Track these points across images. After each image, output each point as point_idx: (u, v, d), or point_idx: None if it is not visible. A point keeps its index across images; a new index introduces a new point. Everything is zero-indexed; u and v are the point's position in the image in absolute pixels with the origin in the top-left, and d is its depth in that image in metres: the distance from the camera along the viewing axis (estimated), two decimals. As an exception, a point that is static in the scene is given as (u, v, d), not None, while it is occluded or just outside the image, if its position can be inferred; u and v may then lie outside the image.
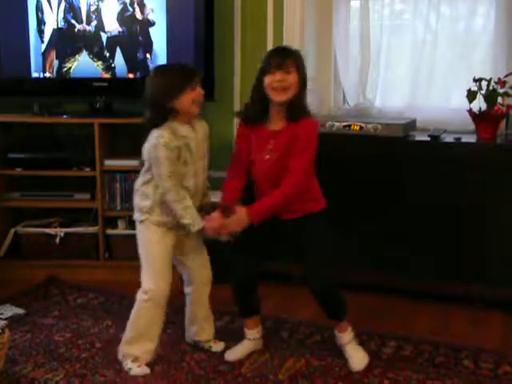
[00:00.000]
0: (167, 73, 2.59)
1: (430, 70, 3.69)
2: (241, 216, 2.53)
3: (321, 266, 2.64)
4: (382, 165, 3.35)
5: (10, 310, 3.22)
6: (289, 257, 2.88)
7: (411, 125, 3.49)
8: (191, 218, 2.59)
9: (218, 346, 2.86)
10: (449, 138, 3.31)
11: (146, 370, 2.64)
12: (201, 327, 2.87)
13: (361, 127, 3.36)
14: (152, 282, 2.61)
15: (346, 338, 2.76)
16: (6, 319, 2.94)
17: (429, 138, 3.32)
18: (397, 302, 3.37)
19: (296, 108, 2.55)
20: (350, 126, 3.37)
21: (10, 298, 3.38)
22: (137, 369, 2.64)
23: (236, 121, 3.98)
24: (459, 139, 3.27)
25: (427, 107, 3.68)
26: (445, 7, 3.65)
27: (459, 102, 3.51)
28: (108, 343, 2.89)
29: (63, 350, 2.83)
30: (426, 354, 2.80)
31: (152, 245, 2.65)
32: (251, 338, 2.84)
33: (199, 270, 2.85)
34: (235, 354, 2.81)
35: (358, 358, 2.73)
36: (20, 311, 3.24)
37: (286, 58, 2.52)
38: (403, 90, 3.78)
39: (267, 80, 2.52)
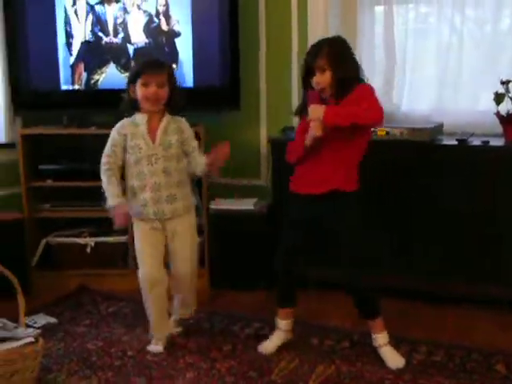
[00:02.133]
0: (136, 63, 2.94)
1: (456, 73, 3.67)
2: (320, 106, 2.60)
3: (355, 260, 2.75)
4: (409, 170, 3.34)
5: (43, 319, 3.27)
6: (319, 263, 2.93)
7: (438, 129, 3.47)
8: (109, 198, 2.82)
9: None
10: (476, 142, 3.29)
11: (159, 349, 2.91)
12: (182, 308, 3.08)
13: (387, 132, 3.35)
14: (139, 270, 2.89)
15: (382, 338, 2.79)
16: (39, 328, 2.98)
17: (456, 142, 3.30)
18: (426, 306, 3.35)
19: (340, 95, 2.66)
20: (375, 131, 3.37)
21: (43, 307, 3.43)
22: (151, 346, 2.93)
23: (262, 129, 4.03)
24: (487, 142, 3.25)
25: (454, 111, 3.65)
26: (470, 9, 3.63)
27: (486, 104, 3.48)
28: (139, 351, 2.92)
29: (96, 358, 2.87)
30: (457, 360, 2.78)
31: (135, 235, 2.91)
32: (283, 328, 2.92)
33: (177, 262, 2.96)
34: (268, 345, 2.90)
35: (395, 358, 2.76)
36: (52, 320, 3.29)
37: (316, 58, 2.65)
38: (429, 93, 3.76)
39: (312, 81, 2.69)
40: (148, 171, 2.80)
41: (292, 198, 2.85)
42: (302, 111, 2.77)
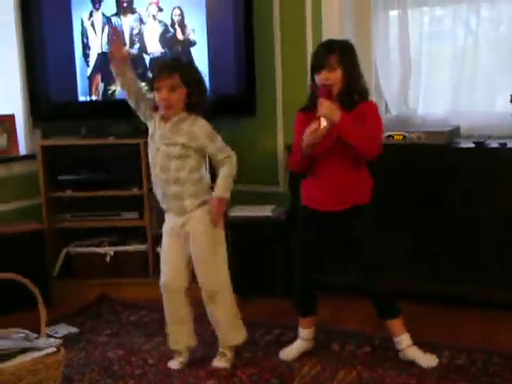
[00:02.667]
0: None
1: (472, 75, 3.65)
2: (337, 109, 2.59)
3: (374, 263, 2.76)
4: (427, 173, 3.33)
5: (64, 329, 3.29)
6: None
7: (455, 132, 3.46)
8: None
9: (216, 362, 2.85)
10: (494, 144, 3.26)
11: (174, 364, 2.84)
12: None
13: (404, 136, 3.34)
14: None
15: (406, 340, 2.78)
16: (60, 338, 2.99)
17: (473, 145, 3.28)
18: (444, 310, 3.32)
19: (345, 99, 2.65)
20: (393, 136, 3.36)
21: (64, 317, 3.45)
22: (170, 362, 2.87)
23: (279, 136, 4.03)
24: (504, 145, 3.22)
25: (471, 113, 3.64)
26: (485, 10, 3.61)
27: (503, 106, 3.46)
28: (160, 360, 2.92)
29: (117, 367, 2.88)
30: (479, 364, 2.75)
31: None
32: (305, 337, 2.91)
33: (200, 276, 2.80)
34: (289, 353, 2.89)
35: (427, 357, 2.75)
36: (74, 330, 3.30)
37: (329, 54, 2.63)
38: (446, 96, 3.75)
39: (317, 78, 2.66)
40: (152, 162, 2.76)
41: (306, 212, 2.83)
42: (310, 108, 2.71)
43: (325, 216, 2.74)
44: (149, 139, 2.77)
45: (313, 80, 2.71)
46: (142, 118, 2.80)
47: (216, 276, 2.80)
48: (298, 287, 2.92)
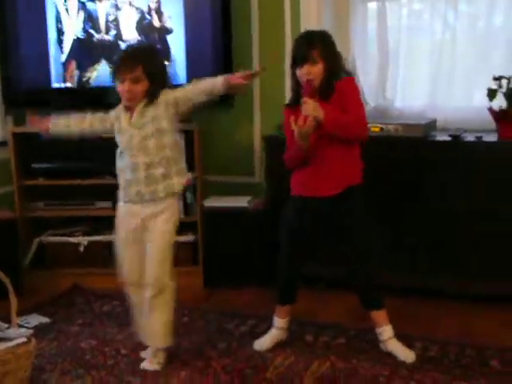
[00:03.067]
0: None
1: (449, 69, 3.67)
2: (319, 106, 2.59)
3: (363, 250, 2.78)
4: (403, 166, 3.34)
5: (36, 319, 3.25)
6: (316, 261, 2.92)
7: (432, 125, 3.47)
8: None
9: (147, 364, 2.75)
10: (470, 138, 3.28)
11: (147, 355, 2.78)
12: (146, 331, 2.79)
13: (381, 128, 3.35)
14: None
15: (389, 331, 2.79)
16: (32, 328, 2.97)
17: (449, 138, 3.29)
18: (421, 303, 3.34)
19: (325, 90, 2.65)
20: (370, 127, 3.36)
21: (36, 307, 3.40)
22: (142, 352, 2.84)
23: (255, 126, 4.01)
24: (480, 138, 3.25)
25: (448, 107, 3.66)
26: (463, 5, 3.63)
27: (480, 100, 3.48)
28: (133, 350, 2.90)
29: (89, 357, 2.85)
30: (452, 355, 2.77)
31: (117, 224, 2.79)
32: (279, 326, 2.91)
33: (147, 262, 2.72)
34: (263, 343, 2.89)
35: (406, 351, 2.76)
36: (45, 320, 3.26)
37: (311, 48, 2.62)
38: (423, 89, 3.77)
39: (298, 72, 2.66)
40: (127, 152, 2.69)
41: (296, 201, 2.82)
42: (295, 103, 2.71)
43: (319, 202, 2.73)
44: (117, 134, 2.73)
45: (293, 73, 2.70)
46: (110, 131, 2.76)
47: (165, 274, 2.71)
48: (285, 277, 2.90)
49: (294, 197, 2.83)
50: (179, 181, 2.72)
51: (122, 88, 2.63)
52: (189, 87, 2.69)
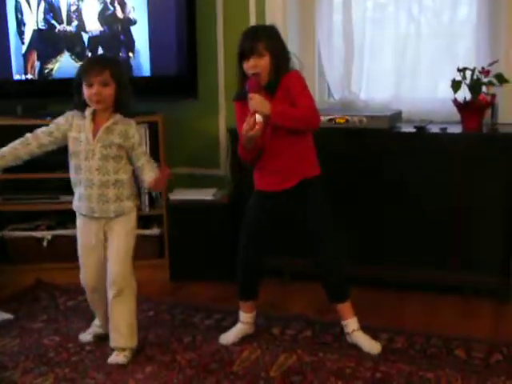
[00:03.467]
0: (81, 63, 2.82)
1: (414, 62, 3.69)
2: (267, 101, 2.58)
3: (326, 240, 2.77)
4: (368, 157, 3.35)
5: (-1, 316, 3.20)
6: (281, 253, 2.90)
7: (397, 116, 3.48)
8: None
9: (114, 358, 2.74)
10: (435, 129, 3.30)
11: (87, 338, 2.92)
12: (111, 330, 2.79)
13: (346, 120, 3.35)
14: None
15: (354, 324, 2.80)
16: (-6, 325, 2.92)
17: (415, 130, 3.31)
18: (386, 294, 3.36)
19: (273, 84, 2.65)
20: (335, 119, 3.36)
21: (-2, 303, 3.36)
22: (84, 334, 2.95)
23: (221, 119, 3.98)
24: (445, 129, 3.27)
25: (413, 98, 3.68)
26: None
27: (445, 92, 3.50)
28: (98, 345, 2.87)
29: (53, 354, 2.80)
30: (417, 346, 2.79)
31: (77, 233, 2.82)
32: (245, 321, 2.91)
33: (110, 266, 2.75)
34: (229, 337, 2.88)
35: (371, 343, 2.77)
36: (8, 316, 3.20)
37: (256, 41, 2.61)
38: (388, 82, 3.78)
39: (245, 65, 2.65)
40: (84, 166, 2.70)
41: (256, 195, 2.83)
42: (241, 97, 2.70)
43: (275, 196, 2.74)
44: (74, 143, 2.70)
45: (240, 67, 2.68)
46: (61, 142, 2.74)
47: (126, 273, 2.75)
48: (244, 271, 2.89)
49: (255, 191, 2.84)
50: (129, 204, 2.76)
51: (90, 92, 2.63)
52: (140, 161, 2.74)
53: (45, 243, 3.85)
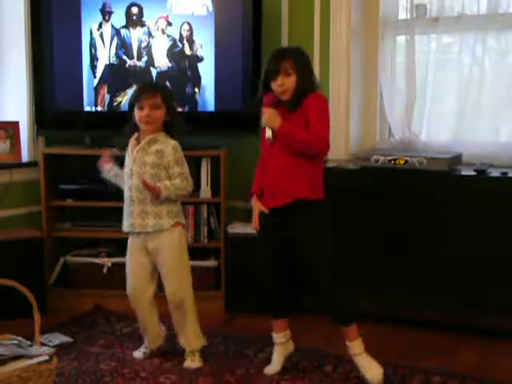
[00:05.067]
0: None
1: (476, 104, 3.66)
2: (278, 117, 2.67)
3: (325, 264, 2.75)
4: (427, 199, 3.34)
5: (58, 338, 3.29)
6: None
7: (457, 159, 3.46)
8: None
9: (189, 363, 3.00)
10: (495, 173, 3.28)
11: (138, 355, 3.08)
12: (180, 336, 3.06)
13: (406, 161, 3.35)
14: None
15: (356, 347, 2.77)
16: (53, 346, 2.99)
17: (474, 173, 3.29)
18: (441, 336, 3.31)
19: (297, 102, 2.71)
20: (395, 159, 3.37)
21: (59, 326, 3.45)
22: (136, 352, 3.12)
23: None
24: (506, 174, 3.23)
25: (474, 141, 3.64)
26: (492, 40, 3.63)
27: (507, 136, 3.47)
28: (152, 372, 2.92)
29: (108, 378, 2.87)
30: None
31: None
32: (277, 341, 2.93)
33: (164, 281, 3.01)
34: (272, 366, 2.92)
35: (373, 369, 2.74)
36: (67, 339, 3.30)
37: (284, 60, 2.70)
38: (449, 123, 3.76)
39: (272, 84, 2.72)
40: (128, 186, 2.96)
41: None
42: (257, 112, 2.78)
43: (272, 213, 2.78)
44: (125, 171, 3.00)
45: (264, 87, 2.77)
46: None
47: (183, 284, 2.99)
48: (267, 290, 2.95)
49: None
50: (169, 221, 2.93)
51: (141, 114, 2.87)
52: (176, 180, 2.93)
53: (105, 270, 3.93)
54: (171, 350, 3.15)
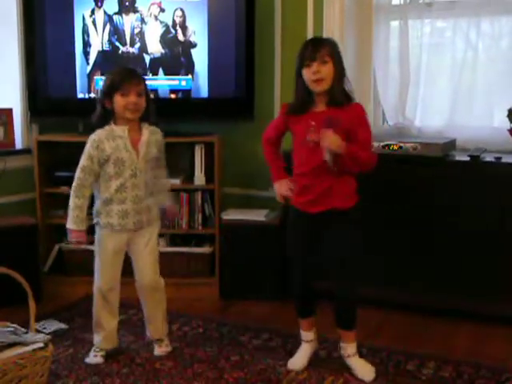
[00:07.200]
0: (109, 74, 2.84)
1: (470, 89, 3.67)
2: (340, 139, 2.54)
3: (350, 274, 2.71)
4: (421, 185, 3.34)
5: (54, 325, 3.30)
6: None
7: (451, 144, 3.47)
8: (70, 220, 2.83)
9: (163, 349, 3.00)
10: (489, 158, 3.28)
11: (99, 360, 2.90)
12: (150, 326, 3.03)
13: (400, 147, 3.35)
14: (96, 278, 2.92)
15: (352, 348, 2.78)
16: (49, 334, 3.00)
17: (468, 158, 3.29)
18: (436, 322, 3.34)
19: (337, 94, 2.60)
20: (389, 145, 3.37)
21: (54, 313, 3.46)
22: (92, 357, 2.92)
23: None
24: (499, 159, 3.24)
25: (467, 126, 3.65)
26: (486, 24, 3.63)
27: (501, 121, 3.47)
28: (148, 359, 2.93)
29: (104, 365, 2.88)
30: (465, 376, 2.76)
31: (99, 245, 2.89)
32: (306, 339, 2.89)
33: (139, 271, 2.94)
34: (297, 361, 2.86)
35: (366, 369, 2.76)
36: (63, 326, 3.31)
37: (320, 47, 2.58)
38: (443, 109, 3.76)
39: (306, 72, 2.59)
40: (131, 184, 2.77)
41: (294, 213, 2.80)
42: (296, 111, 2.68)
43: (306, 217, 2.71)
44: (117, 166, 2.76)
45: (299, 78, 2.63)
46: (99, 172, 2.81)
47: (156, 274, 2.97)
48: (296, 291, 2.88)
49: (292, 207, 2.80)
50: (157, 211, 2.95)
51: (126, 100, 2.71)
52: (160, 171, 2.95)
53: (100, 256, 3.93)
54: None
